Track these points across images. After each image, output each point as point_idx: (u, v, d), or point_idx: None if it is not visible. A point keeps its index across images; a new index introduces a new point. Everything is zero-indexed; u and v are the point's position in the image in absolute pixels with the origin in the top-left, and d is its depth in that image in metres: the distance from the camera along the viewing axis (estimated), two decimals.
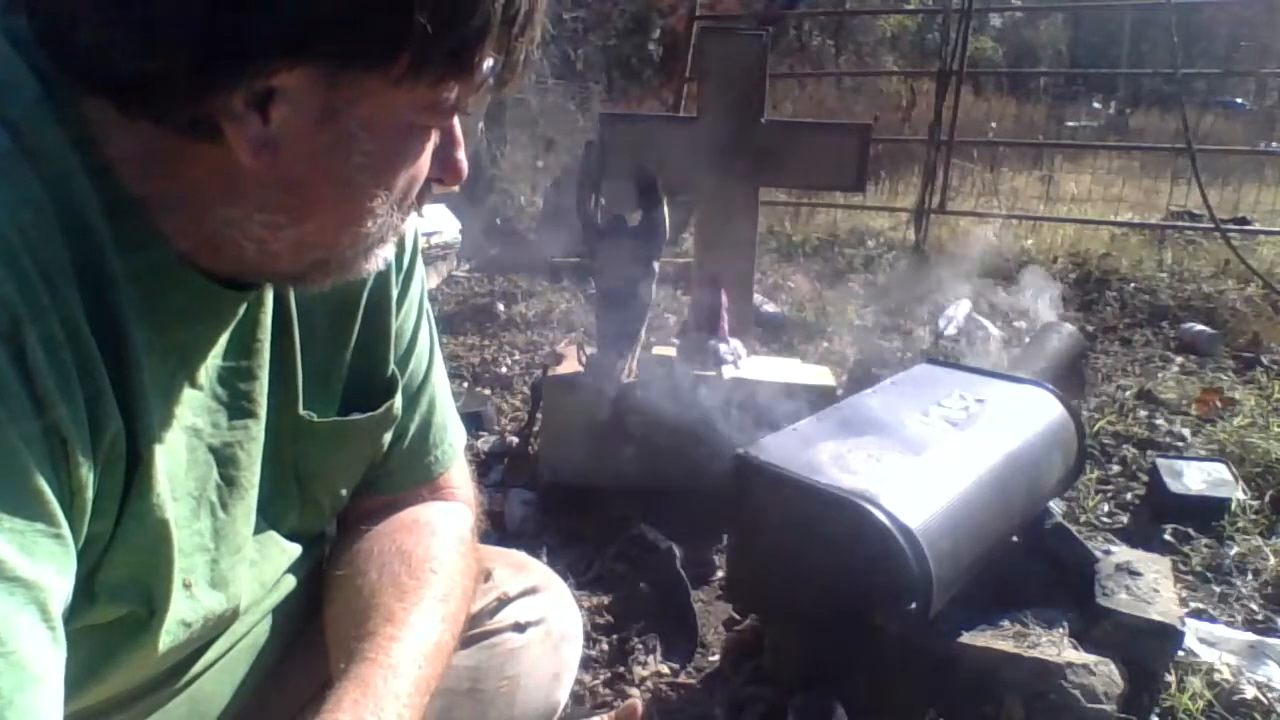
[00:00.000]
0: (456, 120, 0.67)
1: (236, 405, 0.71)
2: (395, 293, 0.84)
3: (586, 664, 1.68)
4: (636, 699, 0.77)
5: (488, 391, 3.25)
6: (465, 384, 3.34)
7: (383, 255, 0.70)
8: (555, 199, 5.65)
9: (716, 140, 2.87)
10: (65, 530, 0.54)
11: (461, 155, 0.69)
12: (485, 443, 2.73)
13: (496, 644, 0.95)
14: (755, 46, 2.92)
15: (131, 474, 0.61)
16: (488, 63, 0.60)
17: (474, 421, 2.83)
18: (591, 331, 3.20)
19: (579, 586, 1.94)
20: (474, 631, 0.95)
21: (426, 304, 0.92)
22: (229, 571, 0.73)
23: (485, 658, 0.94)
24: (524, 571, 1.03)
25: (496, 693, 0.94)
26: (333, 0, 0.53)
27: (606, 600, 1.90)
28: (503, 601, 0.98)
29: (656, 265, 2.40)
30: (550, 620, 0.99)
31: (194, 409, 0.67)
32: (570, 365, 2.52)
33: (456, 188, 0.72)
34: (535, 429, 2.62)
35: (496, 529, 2.19)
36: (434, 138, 0.65)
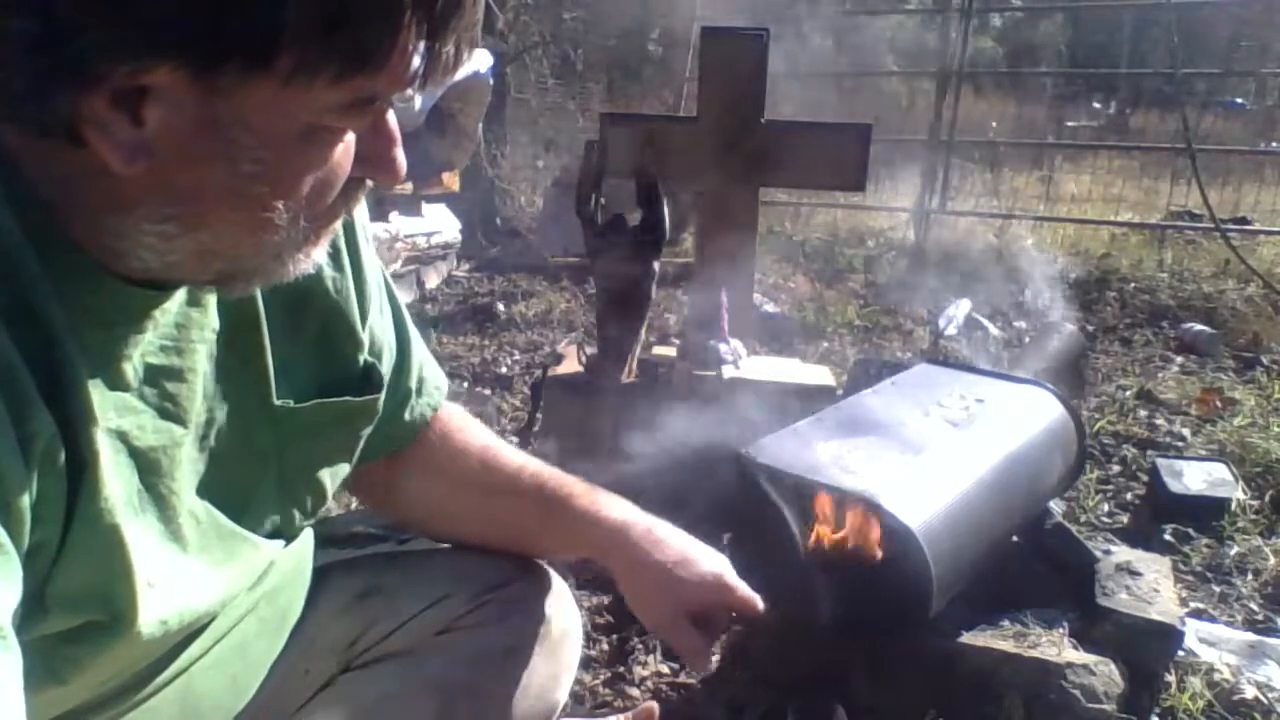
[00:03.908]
0: (390, 115, 0.64)
1: (162, 408, 0.68)
2: (351, 288, 0.83)
3: (586, 664, 1.68)
4: (653, 704, 0.77)
5: (488, 391, 3.25)
6: (465, 384, 3.34)
7: (306, 260, 0.67)
8: (555, 199, 5.65)
9: (716, 140, 2.87)
10: (4, 539, 0.53)
11: (398, 153, 0.65)
12: None
13: (496, 643, 0.95)
14: (755, 46, 2.92)
15: (76, 480, 0.59)
16: (411, 54, 0.56)
17: None
18: (591, 331, 3.20)
19: (579, 586, 1.94)
20: (474, 629, 0.95)
21: (387, 280, 0.92)
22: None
23: (484, 657, 0.94)
24: (526, 572, 1.03)
25: (496, 692, 0.94)
26: (182, 1, 0.50)
27: (606, 600, 1.90)
28: (503, 601, 0.98)
29: (656, 265, 2.40)
30: (550, 620, 0.99)
31: (119, 410, 0.64)
32: (570, 365, 2.52)
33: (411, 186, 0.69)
34: (535, 429, 2.62)
35: None
36: (348, 137, 0.62)
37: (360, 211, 0.77)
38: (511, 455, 1.04)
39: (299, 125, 0.57)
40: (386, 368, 0.90)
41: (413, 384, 0.96)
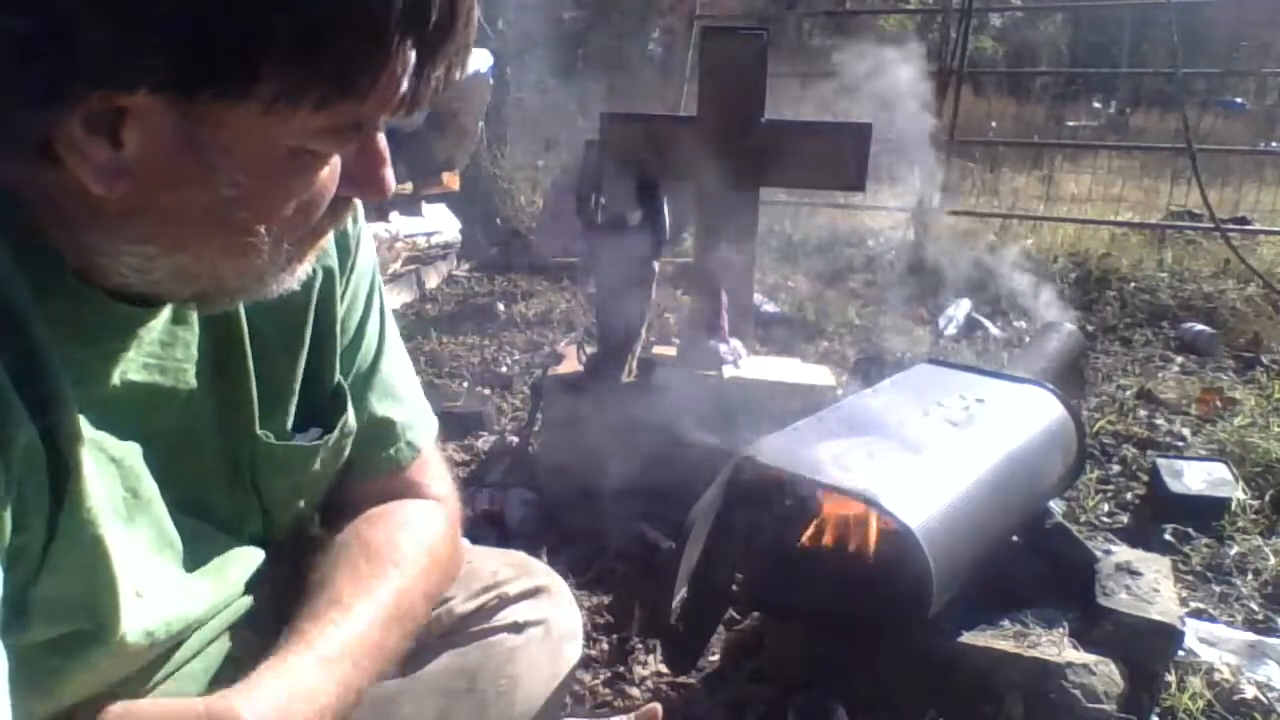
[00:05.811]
0: (380, 136, 0.63)
1: (137, 422, 0.67)
2: (340, 292, 0.82)
3: (586, 664, 1.68)
4: (657, 705, 0.76)
5: (488, 391, 3.25)
6: (465, 384, 3.34)
7: (290, 278, 0.66)
8: (555, 199, 5.65)
9: (716, 140, 2.87)
10: None
11: (386, 173, 0.64)
12: (485, 443, 2.73)
13: (495, 644, 0.95)
14: (755, 46, 2.92)
15: (59, 489, 0.59)
16: (399, 79, 0.55)
17: (474, 421, 2.83)
18: (591, 331, 3.20)
19: (579, 586, 1.94)
20: (474, 630, 0.95)
21: (378, 299, 0.88)
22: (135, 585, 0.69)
23: (484, 657, 0.94)
24: (526, 572, 1.03)
25: (496, 692, 0.94)
26: (157, 27, 0.49)
27: (606, 600, 1.90)
28: (503, 601, 0.98)
29: (656, 265, 2.40)
30: (551, 621, 1.00)
31: (98, 421, 0.64)
32: (570, 365, 2.52)
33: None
34: (535, 429, 2.62)
35: (496, 529, 2.19)
36: (334, 159, 0.61)
37: (359, 215, 0.75)
38: (371, 574, 0.80)
39: (281, 150, 0.57)
40: (360, 389, 0.86)
41: (399, 421, 0.90)
